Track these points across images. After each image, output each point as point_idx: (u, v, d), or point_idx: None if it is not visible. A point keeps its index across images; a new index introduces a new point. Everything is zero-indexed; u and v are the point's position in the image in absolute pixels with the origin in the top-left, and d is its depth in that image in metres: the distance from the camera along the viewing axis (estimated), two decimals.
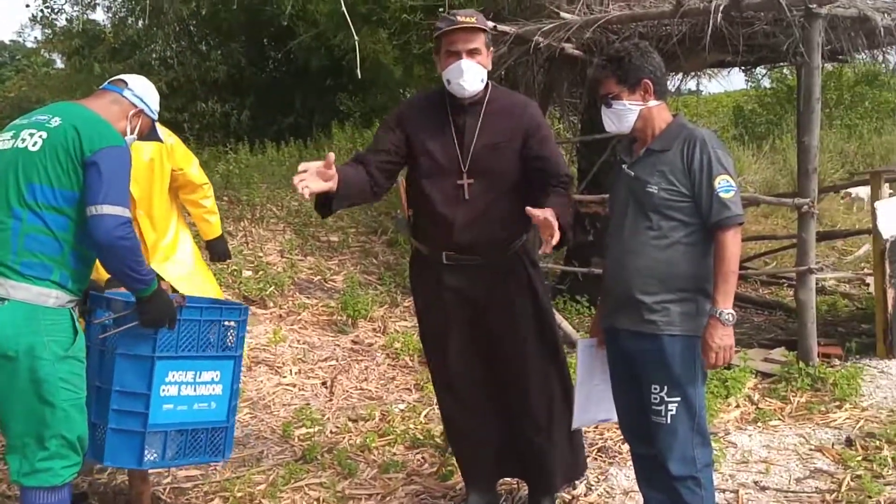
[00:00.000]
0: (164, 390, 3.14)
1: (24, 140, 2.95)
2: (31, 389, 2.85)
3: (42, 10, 14.70)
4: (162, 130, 3.71)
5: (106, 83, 3.33)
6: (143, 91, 3.30)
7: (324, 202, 3.26)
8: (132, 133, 3.23)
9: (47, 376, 2.86)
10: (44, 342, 2.86)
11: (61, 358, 2.90)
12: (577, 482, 3.97)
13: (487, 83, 3.48)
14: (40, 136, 2.93)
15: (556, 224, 2.96)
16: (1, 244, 2.86)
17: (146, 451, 3.16)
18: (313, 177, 3.05)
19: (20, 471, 2.90)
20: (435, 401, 4.03)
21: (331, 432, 4.81)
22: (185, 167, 3.83)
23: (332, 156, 3.10)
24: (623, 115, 3.05)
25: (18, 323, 2.83)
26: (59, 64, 17.84)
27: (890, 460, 4.13)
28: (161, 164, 3.75)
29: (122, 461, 3.23)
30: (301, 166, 3.06)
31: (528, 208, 3.04)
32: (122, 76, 3.36)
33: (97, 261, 3.10)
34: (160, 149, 3.72)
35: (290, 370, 5.71)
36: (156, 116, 3.37)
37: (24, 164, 2.90)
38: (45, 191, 2.89)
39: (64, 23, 15.21)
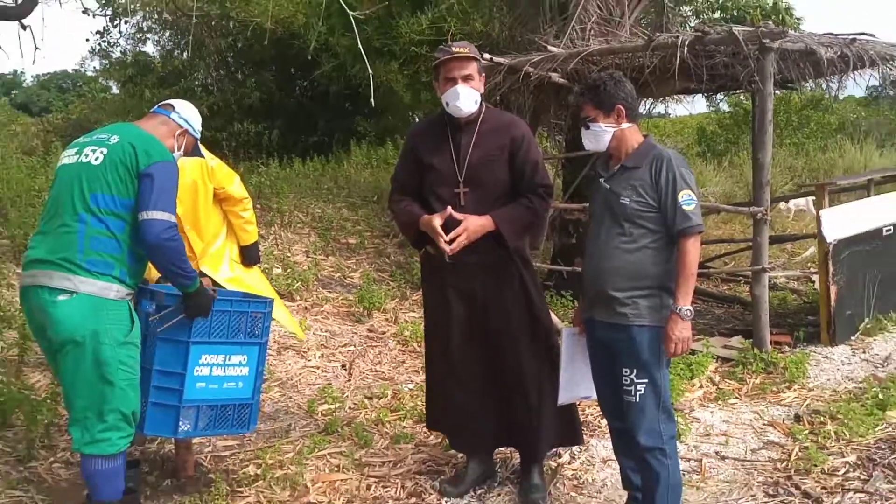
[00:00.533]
0: (197, 370, 3.18)
1: (87, 155, 2.98)
2: (94, 370, 2.88)
3: (100, 44, 14.75)
4: (206, 153, 3.74)
5: (156, 107, 3.37)
6: (187, 114, 3.35)
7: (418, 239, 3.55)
8: (179, 150, 3.26)
9: (108, 359, 2.88)
10: (106, 329, 2.89)
11: (120, 343, 2.93)
12: (562, 451, 3.98)
13: (482, 104, 3.50)
14: (101, 152, 2.97)
15: (459, 235, 3.32)
16: (69, 245, 2.89)
17: (181, 423, 3.19)
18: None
19: (82, 440, 2.92)
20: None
21: (349, 408, 4.82)
22: (226, 185, 3.85)
23: (426, 217, 3.42)
24: (599, 135, 3.07)
25: (85, 313, 2.86)
26: (115, 90, 17.83)
27: (833, 433, 4.13)
28: (204, 183, 3.77)
29: (159, 431, 3.27)
30: (440, 232, 3.35)
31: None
32: (169, 101, 3.40)
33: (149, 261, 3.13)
34: (202, 170, 3.73)
35: (315, 354, 5.72)
36: (198, 136, 3.40)
37: (87, 176, 2.94)
38: (105, 199, 2.92)
39: (119, 54, 15.25)
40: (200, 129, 3.43)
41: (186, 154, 3.33)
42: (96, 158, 2.96)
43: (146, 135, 3.09)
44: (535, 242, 4.31)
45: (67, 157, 3.06)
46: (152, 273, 3.39)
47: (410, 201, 3.57)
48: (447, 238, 3.33)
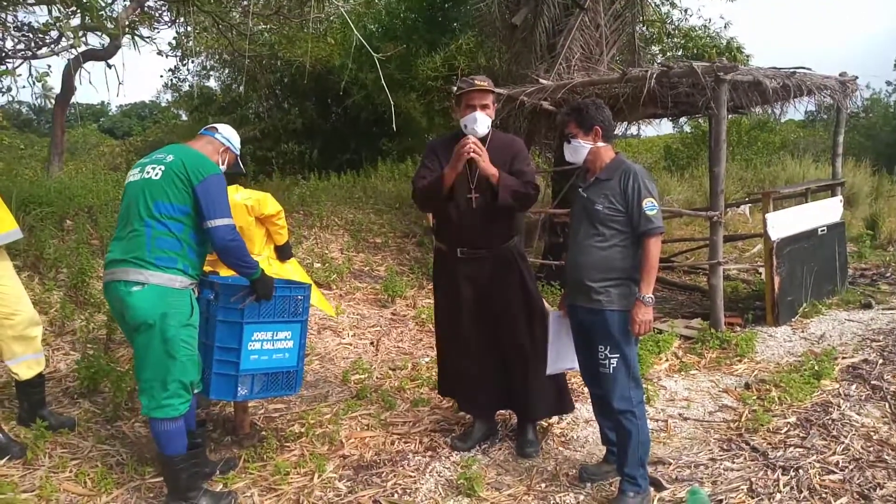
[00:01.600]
0: (251, 345, 3.20)
1: (148, 172, 3.01)
2: (161, 347, 2.89)
3: (172, 80, 14.81)
4: (244, 192, 3.88)
5: (203, 129, 3.38)
6: (228, 134, 3.36)
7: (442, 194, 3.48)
8: (223, 164, 3.26)
9: (172, 338, 2.90)
10: (171, 313, 2.90)
11: (183, 325, 2.94)
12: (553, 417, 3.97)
13: (490, 127, 3.51)
14: (160, 169, 2.99)
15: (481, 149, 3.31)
16: (138, 246, 2.91)
17: (239, 388, 3.22)
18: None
19: (150, 406, 2.94)
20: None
21: (377, 378, 4.82)
22: (264, 211, 3.92)
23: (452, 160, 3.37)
24: (578, 150, 3.07)
25: (154, 300, 2.88)
26: (184, 117, 17.92)
27: (777, 399, 4.11)
28: (247, 217, 3.87)
29: (222, 395, 3.29)
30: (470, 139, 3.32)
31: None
32: (213, 124, 3.41)
33: (206, 255, 3.15)
34: (245, 209, 3.83)
35: (348, 333, 5.73)
36: (238, 152, 3.40)
37: (150, 189, 2.96)
38: (166, 206, 2.94)
39: (187, 88, 15.30)
40: (240, 147, 3.42)
41: (228, 168, 3.34)
42: (156, 174, 2.98)
43: (196, 152, 3.09)
44: (529, 239, 4.26)
45: (133, 175, 3.08)
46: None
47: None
48: (474, 140, 3.32)
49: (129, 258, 2.91)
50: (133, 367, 3.92)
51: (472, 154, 3.31)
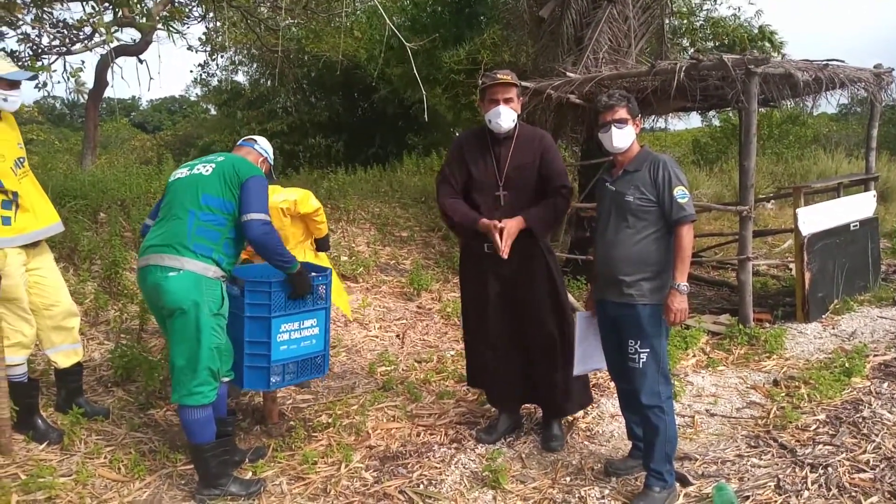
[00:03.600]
0: (279, 337, 3.25)
1: (198, 169, 3.15)
2: (194, 334, 2.95)
3: (201, 74, 14.96)
4: (287, 191, 4.05)
5: (241, 140, 3.60)
6: (265, 146, 3.58)
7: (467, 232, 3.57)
8: None
9: (204, 325, 2.96)
10: (204, 301, 2.97)
11: (214, 314, 3.00)
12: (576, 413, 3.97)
13: (516, 121, 3.50)
14: (210, 167, 3.14)
15: (504, 238, 3.34)
16: (179, 232, 3.01)
17: (271, 378, 3.28)
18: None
19: (180, 393, 3.00)
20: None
21: (402, 370, 4.85)
22: (303, 210, 4.05)
23: (484, 222, 3.43)
24: (628, 136, 3.03)
25: (189, 286, 2.94)
26: (213, 112, 18.12)
27: (805, 396, 4.06)
28: (283, 218, 3.97)
29: (255, 386, 3.35)
30: (499, 240, 3.38)
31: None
32: (252, 136, 3.62)
33: (240, 252, 3.23)
34: (279, 213, 3.94)
35: (374, 326, 5.77)
36: (272, 163, 3.60)
37: (200, 183, 3.09)
38: (213, 199, 3.05)
39: (216, 83, 15.49)
40: (273, 157, 3.64)
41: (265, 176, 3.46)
42: (207, 171, 3.13)
43: (242, 158, 3.28)
44: (555, 234, 4.31)
45: (180, 173, 3.23)
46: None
47: (460, 200, 3.57)
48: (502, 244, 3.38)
49: (168, 244, 2.99)
50: (165, 355, 4.02)
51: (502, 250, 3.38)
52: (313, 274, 3.37)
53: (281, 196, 3.99)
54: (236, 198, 3.06)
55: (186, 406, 3.00)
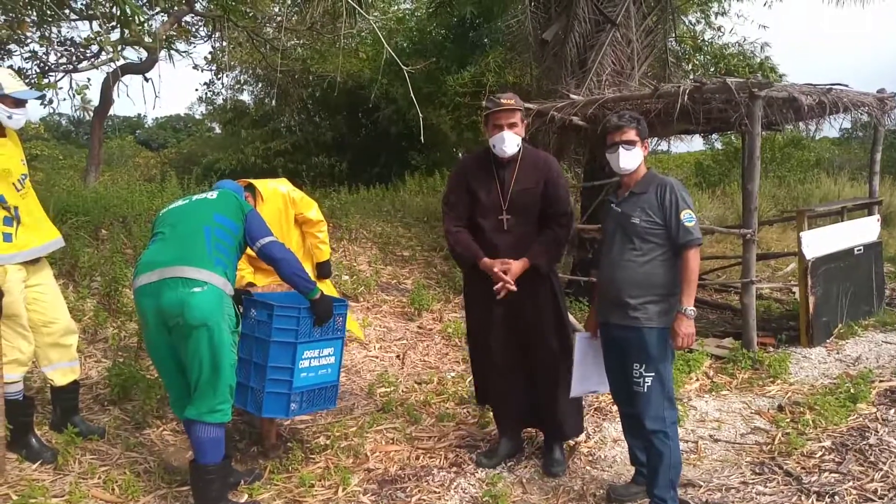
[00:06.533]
0: (302, 363, 3.24)
1: (199, 196, 3.22)
2: (211, 352, 2.91)
3: (206, 93, 15.09)
4: (289, 186, 3.96)
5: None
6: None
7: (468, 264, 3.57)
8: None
9: (226, 342, 2.94)
10: (224, 318, 2.95)
11: (231, 332, 2.99)
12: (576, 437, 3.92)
13: (521, 145, 3.49)
14: (213, 194, 3.24)
15: (508, 278, 3.35)
16: (197, 245, 2.99)
17: (291, 405, 3.25)
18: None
19: (200, 411, 2.94)
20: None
21: (402, 391, 4.80)
22: (304, 212, 3.95)
23: (487, 260, 3.45)
24: (635, 157, 3.02)
25: (214, 302, 2.92)
26: (217, 130, 18.23)
27: (811, 422, 4.01)
28: (286, 210, 3.90)
29: (275, 413, 3.32)
30: (504, 279, 3.38)
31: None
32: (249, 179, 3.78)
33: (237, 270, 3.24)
34: (285, 201, 3.89)
35: (374, 346, 5.73)
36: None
37: (209, 204, 3.15)
38: (225, 219, 3.09)
39: (220, 101, 15.58)
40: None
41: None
42: (212, 196, 3.21)
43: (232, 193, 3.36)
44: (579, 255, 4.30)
45: (179, 201, 3.27)
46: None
47: (465, 230, 3.55)
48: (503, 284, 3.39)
49: (185, 257, 2.94)
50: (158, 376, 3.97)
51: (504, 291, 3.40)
52: (335, 303, 3.36)
53: (285, 188, 3.92)
54: (242, 223, 3.12)
55: (204, 423, 2.95)
